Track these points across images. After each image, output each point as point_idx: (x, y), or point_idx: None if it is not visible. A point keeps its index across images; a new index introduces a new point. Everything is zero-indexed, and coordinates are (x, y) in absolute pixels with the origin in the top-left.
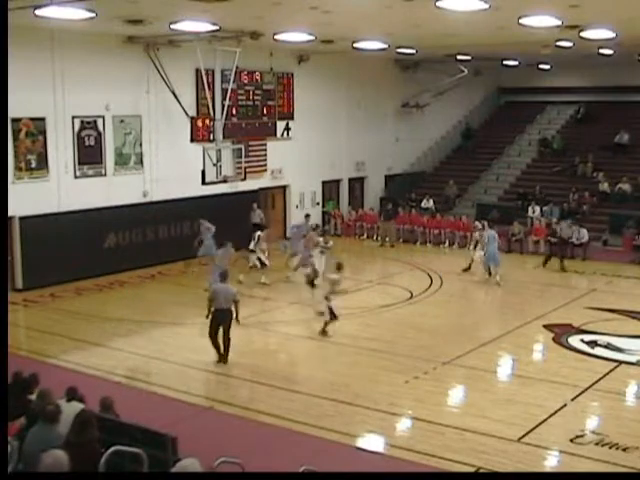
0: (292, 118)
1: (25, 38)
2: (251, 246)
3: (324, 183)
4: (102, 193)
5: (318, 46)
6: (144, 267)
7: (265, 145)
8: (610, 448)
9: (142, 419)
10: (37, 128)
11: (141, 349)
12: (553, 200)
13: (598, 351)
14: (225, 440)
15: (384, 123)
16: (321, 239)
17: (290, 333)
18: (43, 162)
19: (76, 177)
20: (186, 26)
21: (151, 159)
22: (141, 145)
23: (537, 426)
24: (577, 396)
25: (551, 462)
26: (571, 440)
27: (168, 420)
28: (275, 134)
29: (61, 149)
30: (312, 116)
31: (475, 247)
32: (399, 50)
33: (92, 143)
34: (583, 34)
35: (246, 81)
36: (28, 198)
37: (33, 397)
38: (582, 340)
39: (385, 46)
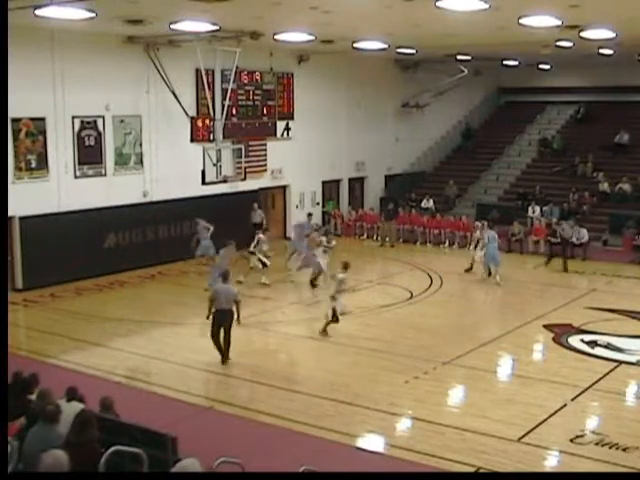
0: (292, 118)
1: (25, 38)
2: (251, 248)
3: (324, 183)
4: (102, 193)
5: (318, 46)
6: (144, 267)
7: (265, 145)
8: (610, 448)
9: (142, 419)
10: (37, 128)
11: (141, 349)
12: (553, 200)
13: (598, 351)
14: (225, 440)
15: (384, 123)
16: (324, 238)
17: (290, 333)
18: (43, 162)
19: (76, 177)
20: (186, 26)
21: (151, 159)
22: (141, 145)
23: (537, 426)
24: (577, 396)
25: (551, 462)
26: (571, 440)
27: (168, 420)
28: (275, 134)
29: (61, 149)
30: (312, 116)
31: (475, 247)
32: (399, 50)
33: (92, 143)
34: (583, 34)
35: (246, 81)
36: (28, 198)
37: (33, 397)
38: (582, 340)
39: (385, 46)
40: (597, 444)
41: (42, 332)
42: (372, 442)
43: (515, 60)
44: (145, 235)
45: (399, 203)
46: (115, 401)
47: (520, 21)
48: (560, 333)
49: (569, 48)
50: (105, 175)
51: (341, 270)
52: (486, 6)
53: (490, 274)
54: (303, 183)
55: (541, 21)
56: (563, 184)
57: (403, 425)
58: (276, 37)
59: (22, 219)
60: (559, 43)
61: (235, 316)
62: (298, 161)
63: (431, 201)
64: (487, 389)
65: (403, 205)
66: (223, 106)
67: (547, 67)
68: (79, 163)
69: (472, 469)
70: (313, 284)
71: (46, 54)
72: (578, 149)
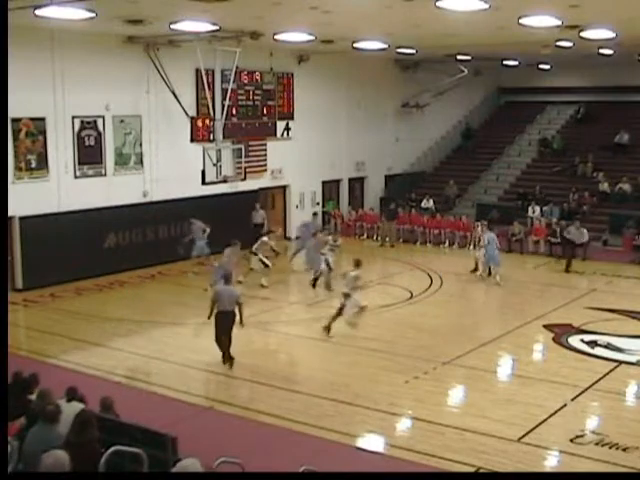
0: (292, 118)
1: (25, 38)
2: (253, 248)
3: (324, 183)
4: (102, 193)
5: (318, 46)
6: (144, 267)
7: (265, 145)
8: (610, 448)
9: (142, 419)
10: (37, 128)
11: (141, 349)
12: (553, 200)
13: (598, 351)
14: (225, 440)
15: (384, 123)
16: (330, 237)
17: (290, 333)
18: (43, 162)
19: (76, 177)
20: (186, 26)
21: (151, 159)
22: (141, 145)
23: (537, 426)
24: (577, 396)
25: (551, 462)
26: (571, 440)
27: (168, 420)
28: (275, 134)
29: (61, 149)
30: (312, 116)
31: (475, 246)
32: (399, 50)
33: (92, 143)
34: (583, 34)
35: (246, 81)
36: (28, 198)
37: (33, 397)
38: (582, 340)
39: (385, 46)
40: (597, 444)
41: (42, 332)
42: (372, 442)
43: (515, 60)
44: (145, 235)
45: (399, 203)
46: (115, 401)
47: (520, 21)
48: (560, 333)
49: (569, 48)
50: (105, 175)
51: (353, 267)
52: (486, 6)
53: (490, 274)
54: (303, 183)
55: (541, 21)
56: (563, 184)
57: (403, 425)
58: (276, 37)
59: (22, 219)
60: (559, 43)
61: (238, 318)
62: (298, 161)
63: (431, 201)
64: (487, 389)
65: (403, 205)
66: (223, 106)
67: (547, 67)
68: (79, 163)
69: (472, 469)
70: (314, 285)
71: (46, 54)
72: (578, 149)
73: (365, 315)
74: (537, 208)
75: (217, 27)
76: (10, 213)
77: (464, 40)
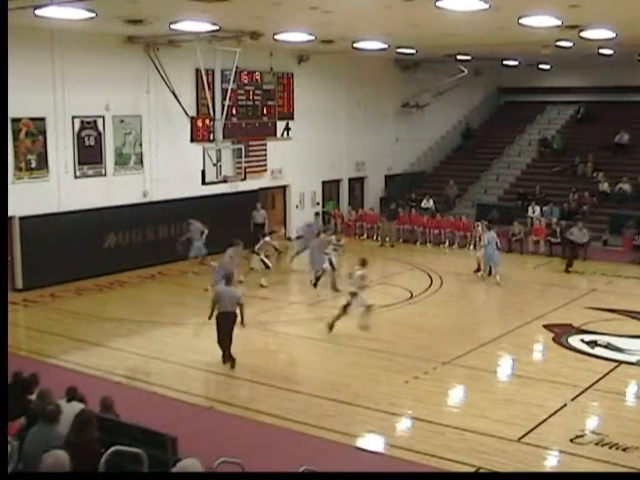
0: (292, 118)
1: (25, 38)
2: (256, 248)
3: (324, 183)
4: (102, 193)
5: (318, 46)
6: (144, 267)
7: (265, 145)
8: (610, 448)
9: (142, 419)
10: (37, 128)
11: (141, 349)
12: (553, 200)
13: (598, 351)
14: (225, 440)
15: (384, 123)
16: (333, 237)
17: (290, 333)
18: (43, 162)
19: (76, 177)
20: (186, 26)
21: (151, 159)
22: (141, 145)
23: (537, 426)
24: (577, 396)
25: (551, 462)
26: (571, 440)
27: (168, 420)
28: (275, 134)
29: (61, 149)
30: (312, 116)
31: (475, 246)
32: (399, 50)
33: (92, 143)
34: (583, 34)
35: (246, 81)
36: (28, 198)
37: (33, 397)
38: (582, 340)
39: (385, 46)
40: (597, 444)
41: (42, 332)
42: (372, 442)
43: (515, 60)
44: (145, 235)
45: (399, 203)
46: (115, 401)
47: (520, 21)
48: (560, 333)
49: (569, 48)
50: (105, 175)
51: (359, 267)
52: (486, 6)
53: (490, 273)
54: (303, 183)
55: (541, 21)
56: (563, 184)
57: (403, 425)
58: (276, 37)
59: (22, 219)
60: (559, 43)
61: (239, 319)
62: (298, 161)
63: (431, 201)
64: (487, 389)
65: (403, 205)
66: (223, 106)
67: (547, 67)
68: (79, 163)
69: (472, 469)
70: (315, 284)
71: (46, 54)
72: (578, 149)
73: (371, 315)
74: (537, 208)
75: (217, 27)
76: (10, 213)
77: (464, 40)
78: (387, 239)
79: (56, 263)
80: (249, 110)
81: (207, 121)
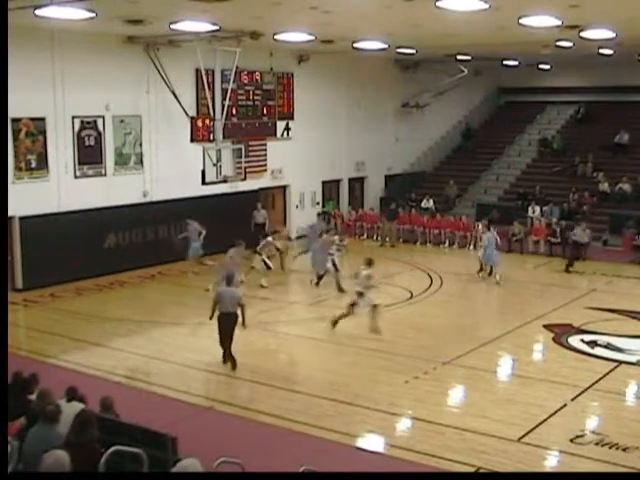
0: (292, 118)
1: (25, 38)
2: (258, 248)
3: (324, 183)
4: (102, 193)
5: (318, 46)
6: (144, 267)
7: (265, 145)
8: (610, 448)
9: (142, 419)
10: (37, 128)
11: (141, 349)
12: (553, 200)
13: (598, 351)
14: (225, 440)
15: (384, 123)
16: (336, 237)
17: (290, 333)
18: (43, 162)
19: (76, 177)
20: (186, 26)
21: (151, 159)
22: (141, 145)
23: (537, 426)
24: (577, 396)
25: (551, 462)
26: (571, 440)
27: (168, 420)
28: (275, 134)
29: (61, 149)
30: (312, 116)
31: (476, 247)
32: (399, 50)
33: (92, 143)
34: (583, 34)
35: (246, 81)
36: (28, 198)
37: (33, 397)
38: (582, 340)
39: (385, 46)
40: (597, 444)
41: (42, 332)
42: (372, 442)
43: (515, 60)
44: (145, 235)
45: (399, 203)
46: (115, 401)
47: (520, 21)
48: (560, 333)
49: (569, 48)
50: (105, 175)
51: (365, 267)
52: (486, 6)
53: (491, 274)
54: (303, 183)
55: (541, 21)
56: (563, 184)
57: (403, 425)
58: (276, 37)
59: (22, 219)
60: (559, 43)
61: (240, 320)
62: (298, 161)
63: (431, 201)
64: (487, 389)
65: (403, 205)
66: (223, 106)
67: (547, 67)
68: (79, 163)
69: (472, 469)
70: (317, 283)
71: (46, 54)
72: (578, 149)
73: (365, 315)
74: (537, 208)
75: (217, 27)
76: (10, 213)
77: (464, 40)
78: (387, 239)
79: (56, 263)
80: (249, 110)
81: (207, 121)
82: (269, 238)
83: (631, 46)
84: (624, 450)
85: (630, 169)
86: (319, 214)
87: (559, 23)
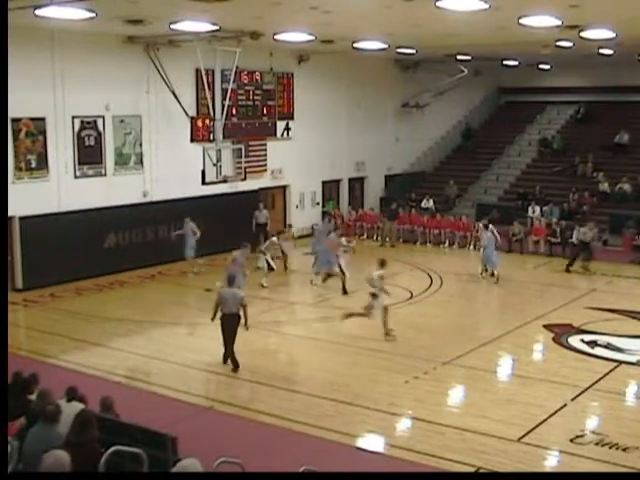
0: (292, 118)
1: (25, 38)
2: (263, 247)
3: (324, 183)
4: (102, 193)
5: (318, 46)
6: (144, 267)
7: (265, 145)
8: (610, 448)
9: (142, 419)
10: (37, 128)
11: (141, 349)
12: (553, 200)
13: (598, 351)
14: (225, 440)
15: (384, 123)
16: (343, 239)
17: (290, 333)
18: (43, 162)
19: (76, 177)
20: (186, 26)
21: (151, 159)
22: (141, 145)
23: (537, 426)
24: (577, 396)
25: (551, 462)
26: (571, 440)
27: (168, 420)
28: (275, 134)
29: (61, 149)
30: (312, 116)
31: (475, 246)
32: (399, 50)
33: (92, 143)
34: (583, 34)
35: (246, 81)
36: (28, 198)
37: (33, 397)
38: (582, 340)
39: (385, 46)
40: (597, 444)
41: (42, 332)
42: (372, 442)
43: (515, 60)
44: (145, 235)
45: (399, 203)
46: (115, 401)
47: (520, 21)
48: (560, 333)
49: (569, 48)
50: (105, 175)
51: (378, 267)
52: (486, 6)
53: (493, 274)
54: (303, 183)
55: (541, 21)
56: (563, 184)
57: (403, 425)
58: (276, 37)
59: (22, 219)
60: (559, 43)
61: (243, 321)
62: (298, 161)
63: (431, 201)
64: (487, 389)
65: (403, 205)
66: (223, 106)
67: (547, 67)
68: (79, 163)
69: (472, 469)
70: (324, 280)
71: (46, 54)
72: (578, 149)
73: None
74: (537, 208)
75: (217, 27)
76: (10, 213)
77: (464, 40)
78: (387, 239)
79: (56, 263)
80: (249, 110)
81: (207, 121)
82: (274, 238)
83: (631, 46)
84: (624, 450)
85: (630, 169)
86: (324, 213)
87: (559, 23)
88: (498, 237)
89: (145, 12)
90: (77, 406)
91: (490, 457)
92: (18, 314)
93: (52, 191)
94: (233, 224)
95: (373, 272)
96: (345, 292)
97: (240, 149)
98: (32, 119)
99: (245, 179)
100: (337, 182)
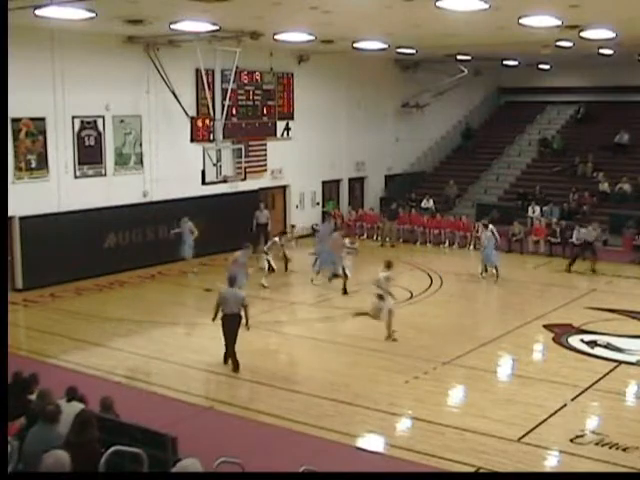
0: (292, 118)
1: (25, 38)
2: (265, 248)
3: (324, 183)
4: (102, 193)
5: (318, 46)
6: (144, 267)
7: (265, 145)
8: (610, 448)
9: (142, 419)
10: (37, 128)
11: (141, 349)
12: (553, 200)
13: (598, 351)
14: (225, 440)
15: (384, 123)
16: (347, 240)
17: (290, 333)
18: (43, 162)
19: (76, 177)
20: (186, 26)
21: (151, 159)
22: (141, 145)
23: (537, 426)
24: (577, 396)
25: (551, 462)
26: (571, 440)
27: (168, 420)
28: (275, 134)
29: (61, 149)
30: (312, 116)
31: (475, 246)
32: (399, 50)
33: (92, 143)
34: (583, 34)
35: (246, 81)
36: (28, 198)
37: (33, 397)
38: (582, 340)
39: (385, 46)
40: (597, 444)
41: (42, 332)
42: (372, 442)
43: (515, 60)
44: (145, 235)
45: (399, 203)
46: (115, 401)
47: (520, 21)
48: (560, 333)
49: (569, 48)
50: (105, 175)
51: (384, 269)
52: (486, 6)
53: (487, 271)
54: (303, 183)
55: (541, 21)
56: (563, 184)
57: (403, 425)
58: (276, 37)
59: (22, 219)
60: (559, 43)
61: (244, 321)
62: (298, 161)
63: (431, 201)
64: (487, 389)
65: (403, 205)
66: (223, 106)
67: (547, 67)
68: (79, 163)
69: (472, 469)
70: (330, 279)
71: (46, 54)
72: (578, 149)
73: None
74: (537, 208)
75: (217, 27)
76: (10, 213)
77: (464, 40)
78: (387, 239)
79: (56, 263)
80: (249, 110)
81: (207, 121)
82: (276, 239)
83: (631, 46)
84: (624, 450)
85: (630, 169)
86: (326, 213)
87: (559, 23)
88: (498, 237)
89: (145, 12)
90: (77, 406)
91: (490, 457)
92: (18, 314)
93: (52, 191)
94: (233, 224)
95: (379, 273)
96: (345, 292)
97: (240, 149)
98: (32, 119)
99: (245, 179)
100: (337, 182)
